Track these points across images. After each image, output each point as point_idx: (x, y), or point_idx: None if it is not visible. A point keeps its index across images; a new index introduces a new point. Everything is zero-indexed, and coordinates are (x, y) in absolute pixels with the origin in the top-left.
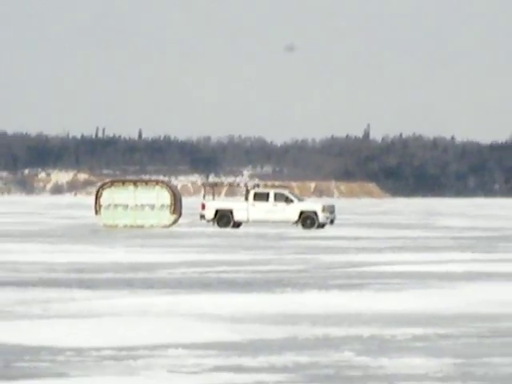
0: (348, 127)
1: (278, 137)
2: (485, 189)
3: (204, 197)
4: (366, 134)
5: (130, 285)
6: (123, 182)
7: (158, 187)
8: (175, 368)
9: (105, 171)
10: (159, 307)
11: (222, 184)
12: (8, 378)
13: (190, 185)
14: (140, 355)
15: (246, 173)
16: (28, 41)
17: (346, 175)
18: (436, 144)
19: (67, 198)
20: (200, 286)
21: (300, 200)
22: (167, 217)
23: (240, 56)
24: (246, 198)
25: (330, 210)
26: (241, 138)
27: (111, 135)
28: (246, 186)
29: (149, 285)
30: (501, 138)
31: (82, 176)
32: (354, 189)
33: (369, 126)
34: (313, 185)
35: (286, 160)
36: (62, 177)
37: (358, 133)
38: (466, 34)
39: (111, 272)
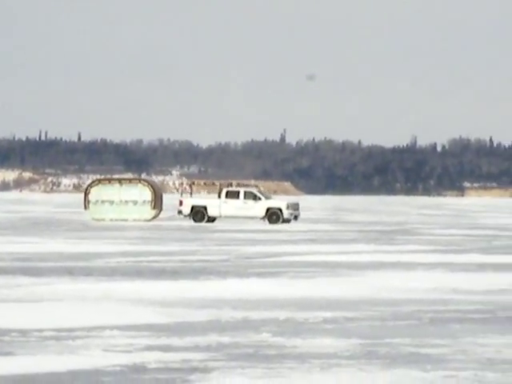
0: (266, 132)
1: (204, 140)
2: (388, 187)
3: (181, 194)
4: (283, 138)
5: (70, 272)
6: (109, 181)
7: (140, 185)
8: (110, 347)
9: (47, 170)
10: (96, 293)
11: (198, 184)
12: None
13: None
14: (78, 336)
15: (174, 172)
16: None
17: (264, 175)
18: (344, 147)
19: (13, 194)
20: (133, 273)
21: (267, 198)
22: (148, 212)
23: (171, 68)
24: (219, 196)
25: (294, 207)
26: (170, 141)
27: (53, 138)
28: (220, 185)
29: (87, 272)
30: (402, 142)
31: (27, 174)
32: (271, 187)
33: (285, 130)
34: (234, 183)
35: (211, 161)
36: (9, 175)
37: (275, 137)
38: (367, 47)
39: (53, 261)
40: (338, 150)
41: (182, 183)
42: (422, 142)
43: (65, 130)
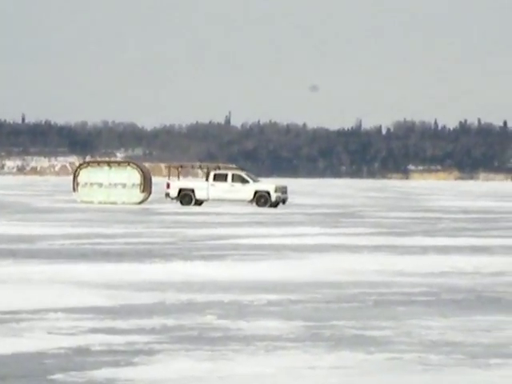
0: (211, 114)
1: (148, 122)
2: (333, 170)
3: (169, 177)
4: (227, 121)
5: (13, 255)
6: (98, 163)
7: (129, 168)
8: (54, 330)
9: None
10: (40, 275)
11: (186, 166)
12: None
13: (68, 165)
14: (23, 318)
15: (119, 155)
16: None
17: (209, 157)
18: (289, 130)
19: None
20: (77, 256)
21: (255, 181)
22: (137, 195)
23: (115, 49)
24: (207, 179)
25: (282, 190)
26: (114, 122)
27: None
28: (207, 167)
29: (31, 255)
30: (347, 124)
31: None
32: None
33: (230, 113)
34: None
35: (156, 143)
36: None
37: (220, 119)
38: (313, 31)
39: None
40: (282, 133)
41: (168, 166)
42: (367, 124)
43: (8, 112)
